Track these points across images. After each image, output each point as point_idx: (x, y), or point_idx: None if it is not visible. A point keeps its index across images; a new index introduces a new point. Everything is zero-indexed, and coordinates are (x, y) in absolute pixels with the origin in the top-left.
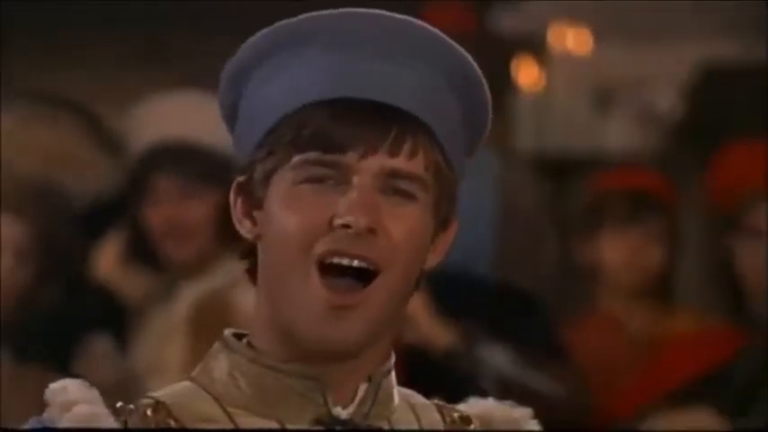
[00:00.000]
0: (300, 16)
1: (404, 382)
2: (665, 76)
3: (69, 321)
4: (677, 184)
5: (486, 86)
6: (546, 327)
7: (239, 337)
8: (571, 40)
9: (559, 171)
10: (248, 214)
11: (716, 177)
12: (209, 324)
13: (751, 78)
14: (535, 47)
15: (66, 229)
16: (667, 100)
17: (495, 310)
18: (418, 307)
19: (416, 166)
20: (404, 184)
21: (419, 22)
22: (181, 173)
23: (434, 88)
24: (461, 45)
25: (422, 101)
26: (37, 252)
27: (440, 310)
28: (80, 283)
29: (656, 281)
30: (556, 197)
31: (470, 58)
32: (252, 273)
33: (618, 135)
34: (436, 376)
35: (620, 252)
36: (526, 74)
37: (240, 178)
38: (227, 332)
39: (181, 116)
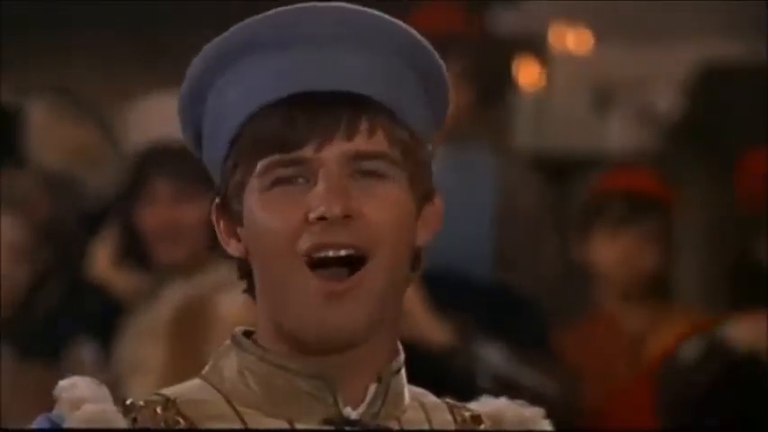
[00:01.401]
0: (235, 26)
1: None
2: (664, 75)
3: (70, 320)
4: (676, 184)
5: (436, 55)
6: (540, 326)
7: (248, 334)
8: (571, 39)
9: (559, 171)
10: (233, 234)
11: (745, 177)
12: (189, 327)
13: (751, 78)
14: (535, 47)
15: (73, 227)
16: (667, 100)
17: (490, 309)
18: (415, 304)
19: (378, 144)
20: (370, 165)
21: (359, 8)
22: (177, 174)
23: (386, 68)
24: (453, 44)
25: (373, 81)
26: (42, 249)
27: (435, 308)
28: (80, 282)
29: (651, 281)
30: (555, 197)
31: (417, 34)
32: (251, 292)
33: (618, 135)
34: (432, 373)
35: (614, 252)
36: (526, 73)
37: (217, 200)
38: (238, 330)
39: (175, 117)
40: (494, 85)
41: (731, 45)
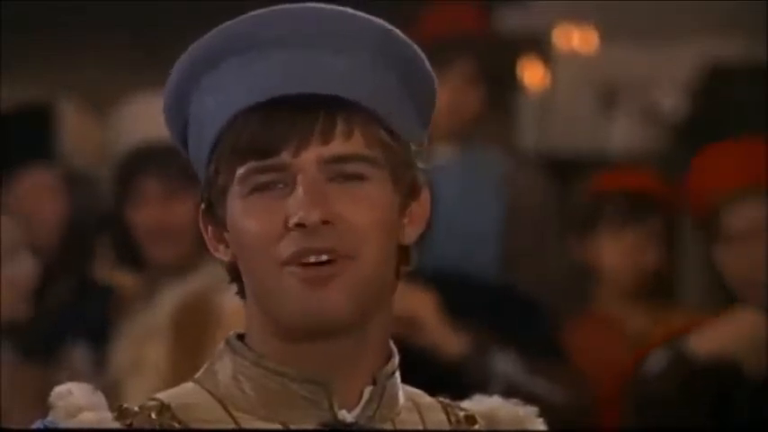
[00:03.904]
0: (213, 31)
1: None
2: (669, 75)
3: (72, 320)
4: (680, 184)
5: (418, 49)
6: (549, 328)
7: (242, 337)
8: (576, 39)
9: (563, 171)
10: (221, 239)
11: (695, 180)
12: (192, 326)
13: (755, 78)
14: (540, 46)
15: (89, 227)
16: (671, 99)
17: (498, 311)
18: (430, 313)
19: (355, 146)
20: (350, 167)
21: (335, 8)
22: (165, 174)
23: (365, 68)
24: (466, 44)
25: (351, 82)
26: (54, 247)
27: (445, 310)
28: (86, 283)
29: (654, 281)
30: (561, 197)
31: (397, 30)
32: (242, 295)
33: (622, 134)
34: (445, 382)
35: (616, 253)
36: (531, 73)
37: (203, 205)
38: (231, 334)
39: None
40: (499, 85)
41: (735, 44)
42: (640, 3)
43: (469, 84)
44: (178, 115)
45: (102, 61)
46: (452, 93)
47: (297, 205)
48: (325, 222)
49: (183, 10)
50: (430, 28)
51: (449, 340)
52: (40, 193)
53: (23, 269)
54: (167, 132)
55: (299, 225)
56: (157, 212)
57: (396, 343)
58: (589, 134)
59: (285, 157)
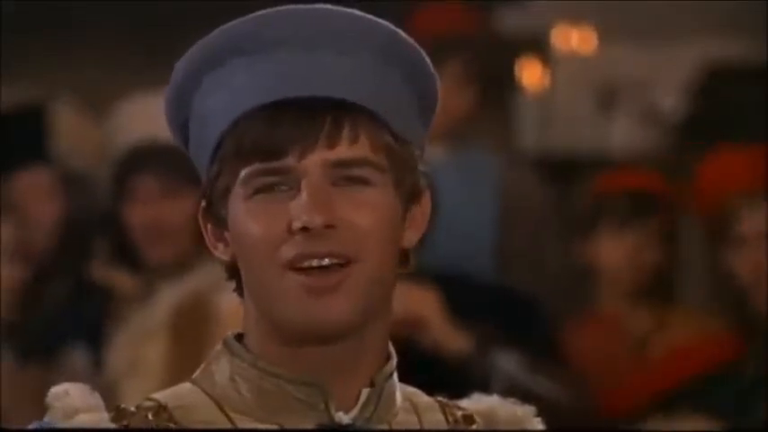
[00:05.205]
0: (217, 30)
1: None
2: (668, 76)
3: (71, 321)
4: (680, 184)
5: (421, 51)
6: (549, 330)
7: (240, 337)
8: (575, 39)
9: (563, 171)
10: (220, 238)
11: (704, 183)
12: (190, 326)
13: (755, 79)
14: (539, 47)
15: (85, 228)
16: (671, 100)
17: (496, 311)
18: (433, 312)
19: (361, 150)
20: (354, 171)
21: (342, 9)
22: (161, 173)
23: (371, 70)
24: (456, 45)
25: (357, 85)
26: (50, 248)
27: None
28: (83, 283)
29: (655, 281)
30: (559, 197)
31: (401, 31)
32: (240, 292)
33: (621, 135)
34: (447, 381)
35: (617, 253)
36: (530, 74)
37: (203, 203)
38: (229, 334)
39: (161, 116)
40: (497, 85)
41: (735, 45)
42: (640, 3)
43: (459, 85)
44: (179, 113)
45: (102, 61)
46: (442, 93)
47: (301, 209)
48: (328, 226)
49: (182, 10)
50: (420, 28)
51: (452, 339)
52: (37, 194)
53: (6, 271)
54: (165, 131)
55: (303, 229)
56: (154, 211)
57: (399, 342)
58: (589, 134)
59: (290, 159)
